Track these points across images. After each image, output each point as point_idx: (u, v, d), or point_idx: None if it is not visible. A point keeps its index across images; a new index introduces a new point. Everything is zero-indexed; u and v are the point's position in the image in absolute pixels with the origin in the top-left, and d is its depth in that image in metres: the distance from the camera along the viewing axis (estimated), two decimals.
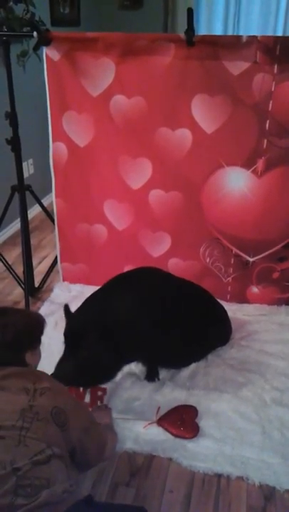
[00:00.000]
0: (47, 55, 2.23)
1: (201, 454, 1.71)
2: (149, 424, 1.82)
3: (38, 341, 1.52)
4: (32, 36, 2.17)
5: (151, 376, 2.06)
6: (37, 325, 1.52)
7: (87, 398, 1.93)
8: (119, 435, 1.76)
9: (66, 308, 1.88)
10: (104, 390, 1.92)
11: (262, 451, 1.72)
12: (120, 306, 1.90)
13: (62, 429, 1.26)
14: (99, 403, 1.92)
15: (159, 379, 2.06)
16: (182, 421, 1.81)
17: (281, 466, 1.67)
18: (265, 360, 2.17)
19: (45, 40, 2.18)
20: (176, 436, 1.78)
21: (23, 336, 1.44)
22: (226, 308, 2.33)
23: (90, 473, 1.64)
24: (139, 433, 1.79)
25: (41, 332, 1.53)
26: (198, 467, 1.68)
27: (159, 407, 1.87)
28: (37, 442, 1.18)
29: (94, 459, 1.45)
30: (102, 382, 1.90)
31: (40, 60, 2.29)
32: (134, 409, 1.91)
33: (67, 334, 1.85)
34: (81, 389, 1.91)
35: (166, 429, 1.80)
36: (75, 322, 1.87)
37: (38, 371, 1.45)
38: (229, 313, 2.33)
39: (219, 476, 1.65)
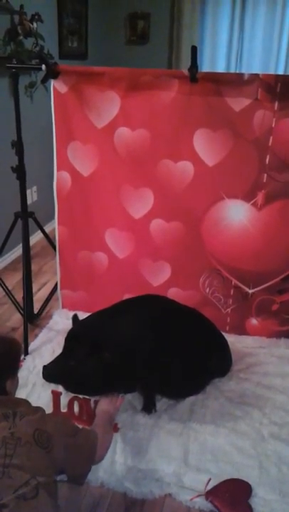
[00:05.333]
0: (54, 88, 2.29)
1: (197, 489, 1.68)
2: (196, 496, 1.65)
3: (17, 368, 1.52)
4: (40, 69, 2.23)
5: (148, 407, 2.04)
6: (15, 351, 1.52)
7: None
8: (117, 474, 1.73)
9: (75, 317, 2.02)
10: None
11: (259, 487, 1.69)
12: (123, 330, 1.94)
13: (46, 451, 1.25)
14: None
15: (156, 410, 2.04)
16: (233, 499, 1.63)
17: (278, 503, 1.64)
18: (264, 393, 2.15)
19: (53, 73, 2.24)
20: None
21: (3, 364, 1.42)
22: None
23: (84, 507, 1.61)
24: (137, 477, 1.74)
25: (19, 358, 1.53)
26: (194, 502, 1.65)
27: (209, 479, 1.70)
28: (21, 473, 1.15)
29: (85, 469, 1.44)
30: (87, 394, 1.94)
31: (48, 91, 2.35)
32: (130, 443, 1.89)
33: (67, 338, 1.96)
34: (92, 405, 1.92)
35: (216, 506, 1.61)
36: (77, 330, 1.98)
37: (16, 398, 1.44)
38: None
39: None
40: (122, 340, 1.91)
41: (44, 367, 1.94)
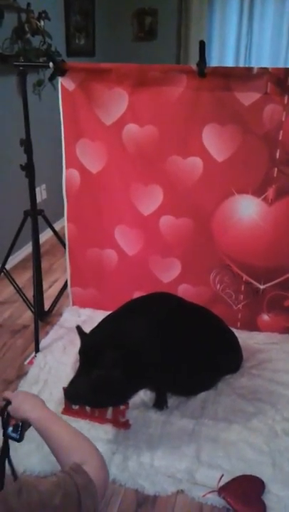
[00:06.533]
0: (62, 85, 2.29)
1: (210, 486, 1.67)
2: (209, 492, 1.64)
3: None
4: (48, 66, 2.23)
5: (159, 404, 2.04)
6: None
7: (109, 413, 1.94)
8: (130, 470, 1.72)
9: (79, 328, 1.90)
10: (126, 405, 1.91)
11: (272, 483, 1.68)
12: (134, 329, 1.91)
13: None
14: (120, 418, 1.92)
15: (167, 407, 2.03)
16: (246, 495, 1.62)
17: None
18: (276, 389, 2.14)
19: (61, 71, 2.24)
20: None
21: None
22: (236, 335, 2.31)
23: None
24: (149, 473, 1.74)
25: None
26: (207, 499, 1.64)
27: (222, 475, 1.70)
28: None
29: None
30: (114, 404, 1.89)
31: (55, 89, 2.35)
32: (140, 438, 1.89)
33: (84, 352, 1.85)
34: None
35: (229, 503, 1.60)
36: (93, 341, 1.87)
37: None
38: (239, 341, 2.31)
39: (228, 508, 1.61)
40: (134, 342, 1.88)
41: (65, 390, 1.80)
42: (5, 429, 1.22)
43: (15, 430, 1.21)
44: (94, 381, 1.75)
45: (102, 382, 1.75)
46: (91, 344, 1.85)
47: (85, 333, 1.88)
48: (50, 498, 0.96)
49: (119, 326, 1.94)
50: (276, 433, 1.90)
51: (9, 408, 1.23)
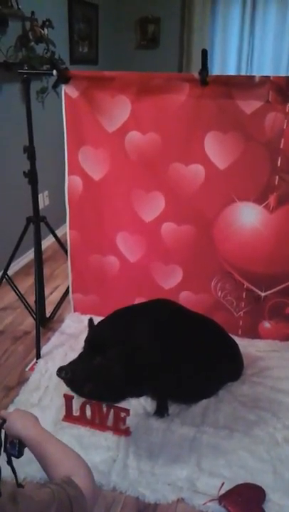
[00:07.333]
0: (65, 93, 2.31)
1: (210, 494, 1.67)
2: (209, 500, 1.64)
3: None
4: (51, 74, 2.24)
5: (160, 411, 2.03)
6: None
7: (110, 421, 1.93)
8: (130, 478, 1.72)
9: (90, 320, 1.96)
10: (127, 412, 1.90)
11: (273, 491, 1.67)
12: (137, 330, 1.93)
13: None
14: (121, 425, 1.91)
15: (168, 414, 2.03)
16: (247, 503, 1.61)
17: None
18: (278, 397, 2.13)
19: (64, 78, 2.26)
20: None
21: None
22: (237, 343, 2.31)
23: (97, 510, 1.61)
24: (150, 481, 1.74)
25: None
26: (207, 507, 1.63)
27: (223, 483, 1.69)
28: None
29: None
30: (104, 398, 1.90)
31: (59, 96, 2.36)
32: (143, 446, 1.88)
33: (91, 340, 1.89)
34: (104, 409, 1.91)
35: (229, 511, 1.60)
36: (100, 333, 1.92)
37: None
38: (241, 349, 2.30)
39: None
40: (137, 342, 1.89)
41: (60, 368, 1.83)
42: (4, 446, 1.25)
43: (12, 447, 1.24)
44: (94, 367, 1.77)
45: (102, 371, 1.77)
46: (98, 336, 1.90)
47: (94, 325, 1.95)
48: (47, 508, 0.99)
49: (125, 325, 1.95)
50: (277, 441, 1.89)
51: (4, 427, 1.26)
